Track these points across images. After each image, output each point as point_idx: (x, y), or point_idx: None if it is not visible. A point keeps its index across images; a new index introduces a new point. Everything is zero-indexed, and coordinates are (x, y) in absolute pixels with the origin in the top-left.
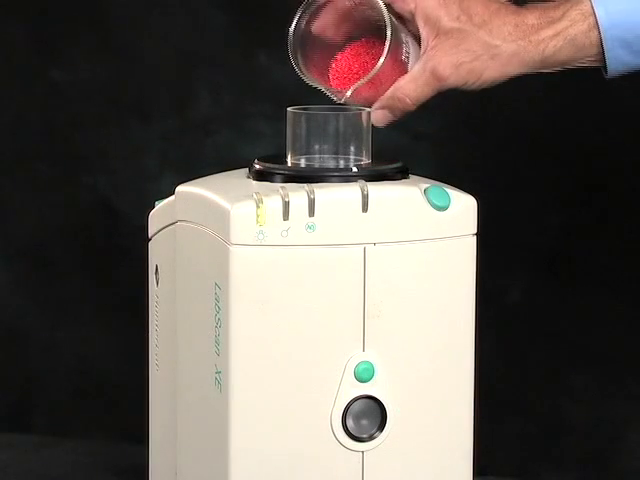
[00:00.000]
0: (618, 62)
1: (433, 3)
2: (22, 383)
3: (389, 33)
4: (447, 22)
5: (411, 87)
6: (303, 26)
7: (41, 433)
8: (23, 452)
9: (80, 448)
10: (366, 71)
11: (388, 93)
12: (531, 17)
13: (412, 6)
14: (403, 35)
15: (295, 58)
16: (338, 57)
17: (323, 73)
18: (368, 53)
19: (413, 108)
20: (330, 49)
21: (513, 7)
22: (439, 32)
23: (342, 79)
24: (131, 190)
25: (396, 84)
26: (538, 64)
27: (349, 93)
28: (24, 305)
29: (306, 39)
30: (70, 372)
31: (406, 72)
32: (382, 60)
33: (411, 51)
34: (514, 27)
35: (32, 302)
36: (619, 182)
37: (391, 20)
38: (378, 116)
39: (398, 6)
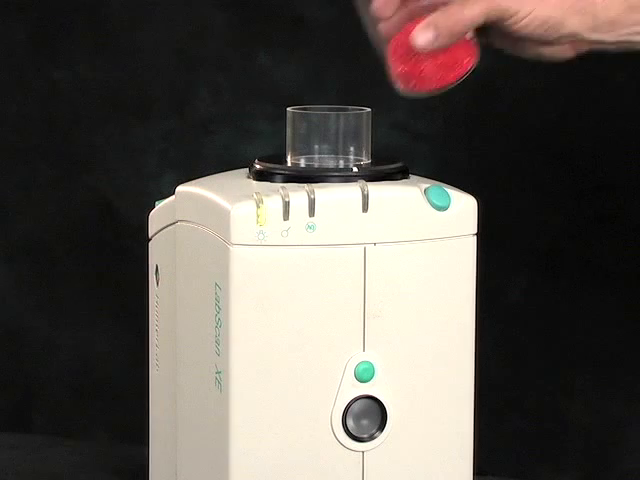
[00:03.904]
0: None
1: None
2: (22, 383)
3: None
4: None
5: (459, 5)
6: None
7: (41, 433)
8: (23, 452)
9: (80, 448)
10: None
11: (438, 11)
12: None
13: None
14: None
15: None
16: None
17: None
18: None
19: (459, 29)
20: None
21: None
22: None
23: (398, 55)
24: (131, 190)
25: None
26: (590, 18)
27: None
28: (24, 305)
29: None
30: (70, 372)
31: None
32: None
33: None
34: None
35: (32, 302)
36: (619, 182)
37: None
38: (421, 34)
39: None
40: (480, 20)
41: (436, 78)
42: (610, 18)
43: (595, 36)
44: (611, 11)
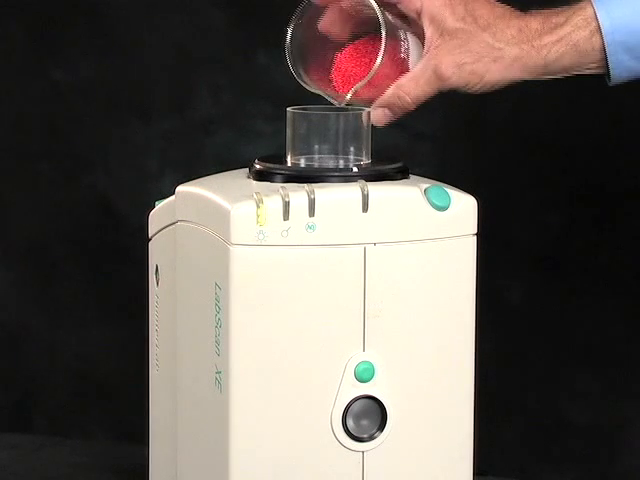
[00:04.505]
0: (621, 68)
1: (439, 3)
2: (22, 383)
3: (384, 33)
4: (452, 22)
5: (412, 85)
6: (300, 33)
7: (41, 433)
8: (23, 452)
9: (80, 448)
10: (366, 70)
11: (389, 91)
12: (534, 22)
13: (418, 5)
14: (401, 32)
15: (294, 65)
16: (338, 58)
17: (324, 76)
18: (368, 52)
19: (413, 107)
20: (330, 51)
21: (517, 12)
22: (443, 32)
23: (344, 80)
24: (131, 190)
25: (397, 82)
26: (541, 69)
27: (349, 96)
28: (24, 305)
29: (305, 45)
30: (70, 372)
31: (406, 70)
32: (379, 61)
33: (411, 49)
34: (517, 31)
35: (32, 302)
36: (619, 182)
37: (385, 20)
38: (378, 115)
39: (404, 6)
40: (432, 95)
41: None
42: (562, 66)
43: (547, 77)
44: (562, 61)
